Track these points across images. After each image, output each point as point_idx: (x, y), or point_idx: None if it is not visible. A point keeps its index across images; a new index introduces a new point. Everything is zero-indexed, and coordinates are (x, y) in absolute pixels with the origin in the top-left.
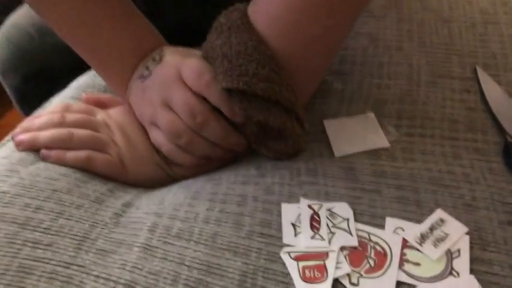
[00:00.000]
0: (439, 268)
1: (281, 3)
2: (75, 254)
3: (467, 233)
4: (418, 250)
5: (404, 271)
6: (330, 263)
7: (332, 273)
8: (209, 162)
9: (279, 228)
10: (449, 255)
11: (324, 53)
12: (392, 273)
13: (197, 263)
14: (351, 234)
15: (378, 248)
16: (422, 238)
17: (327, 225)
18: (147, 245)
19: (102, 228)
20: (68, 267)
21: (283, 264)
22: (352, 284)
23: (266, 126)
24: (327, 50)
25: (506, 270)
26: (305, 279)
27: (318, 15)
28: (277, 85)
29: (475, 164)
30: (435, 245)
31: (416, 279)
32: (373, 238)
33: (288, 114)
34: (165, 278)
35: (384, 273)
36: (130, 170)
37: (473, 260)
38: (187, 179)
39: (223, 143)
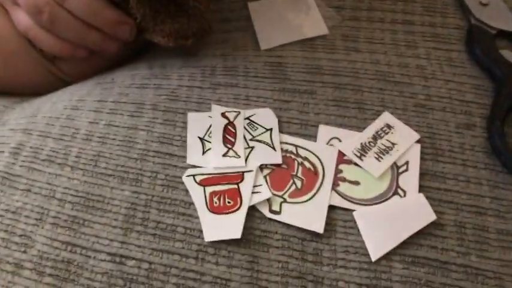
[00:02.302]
0: (381, 187)
1: None
2: None
3: (418, 141)
4: (358, 165)
5: (339, 193)
6: (245, 187)
7: (247, 200)
8: (94, 56)
9: (183, 145)
10: (396, 169)
11: None
12: (324, 196)
13: (72, 195)
14: (273, 148)
15: (307, 164)
16: (363, 150)
17: (245, 138)
18: (6, 173)
19: None
20: None
21: (186, 191)
22: (272, 211)
23: (157, 4)
24: None
25: (461, 184)
26: (213, 209)
27: None
28: None
29: (432, 54)
30: (378, 158)
31: (353, 202)
32: (301, 152)
33: None
34: (27, 216)
35: (313, 197)
36: (1, 72)
37: (423, 174)
38: (76, 84)
39: (95, 19)
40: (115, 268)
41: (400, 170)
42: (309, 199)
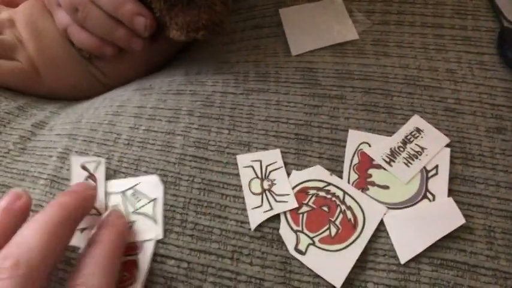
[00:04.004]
0: (411, 191)
1: None
2: None
3: (447, 145)
4: (387, 170)
5: (369, 197)
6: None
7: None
8: (128, 55)
9: (218, 150)
10: (425, 173)
11: None
12: (354, 253)
13: None
14: (154, 221)
15: (349, 214)
16: (392, 155)
17: (126, 211)
18: (55, 176)
19: (3, 157)
20: None
21: (221, 194)
22: (297, 250)
23: None
24: None
25: (491, 188)
26: None
27: None
28: None
29: (463, 57)
30: (407, 164)
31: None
32: (347, 200)
33: None
34: None
35: (343, 249)
36: (46, 76)
37: (452, 178)
38: (117, 89)
39: (117, 12)
40: (156, 267)
41: (430, 174)
42: (338, 250)
